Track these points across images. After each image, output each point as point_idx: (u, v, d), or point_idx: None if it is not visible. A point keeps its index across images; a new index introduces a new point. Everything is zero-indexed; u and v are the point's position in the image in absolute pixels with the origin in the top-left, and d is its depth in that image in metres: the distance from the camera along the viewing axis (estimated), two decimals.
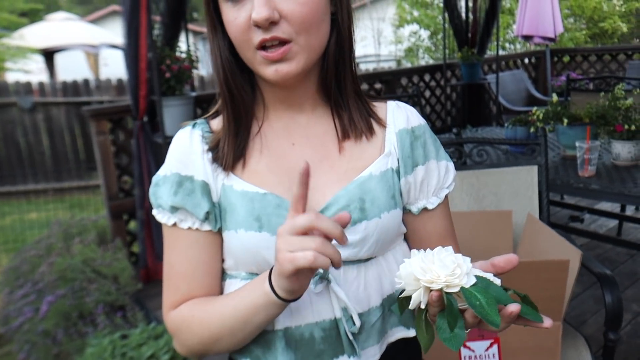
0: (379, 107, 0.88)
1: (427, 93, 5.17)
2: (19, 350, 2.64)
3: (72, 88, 7.00)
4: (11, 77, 9.98)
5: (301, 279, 0.68)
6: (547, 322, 0.61)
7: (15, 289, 3.02)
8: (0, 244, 5.10)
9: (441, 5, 7.91)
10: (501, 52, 9.00)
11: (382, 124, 0.86)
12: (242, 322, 0.74)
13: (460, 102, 5.28)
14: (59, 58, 12.24)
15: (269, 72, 0.74)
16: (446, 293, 0.59)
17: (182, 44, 3.24)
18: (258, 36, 0.72)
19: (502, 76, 5.37)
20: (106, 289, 2.84)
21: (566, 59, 6.76)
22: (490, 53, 5.72)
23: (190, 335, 0.79)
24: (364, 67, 10.77)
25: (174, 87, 3.03)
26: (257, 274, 0.79)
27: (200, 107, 3.70)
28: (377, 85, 4.76)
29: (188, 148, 0.81)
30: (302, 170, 0.66)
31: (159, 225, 3.44)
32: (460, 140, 2.19)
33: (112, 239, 3.47)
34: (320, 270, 0.78)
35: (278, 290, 0.70)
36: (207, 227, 0.80)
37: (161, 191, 0.80)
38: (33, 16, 13.69)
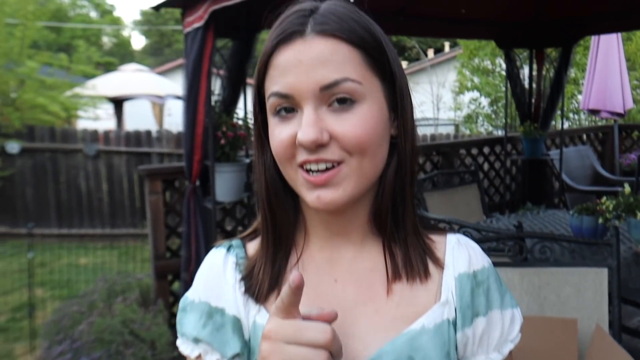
0: (437, 242, 0.77)
1: (486, 166, 5.01)
2: None
3: (135, 138, 7.26)
4: (81, 124, 10.54)
5: None
6: None
7: (54, 344, 3.01)
8: (50, 288, 5.19)
9: (503, 73, 7.80)
10: (565, 124, 8.72)
11: (440, 264, 0.75)
12: None
13: (521, 177, 5.06)
14: (127, 106, 12.88)
15: (311, 197, 0.66)
16: None
17: (240, 111, 3.27)
18: (302, 155, 0.65)
19: (566, 152, 5.15)
20: (142, 354, 2.77)
21: (636, 134, 6.45)
22: (553, 123, 5.52)
23: None
24: (422, 131, 10.71)
25: (228, 153, 3.03)
26: None
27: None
28: (435, 158, 4.64)
29: (221, 276, 0.74)
30: (293, 284, 0.58)
31: None
32: (522, 235, 2.04)
33: (155, 299, 3.44)
34: None
35: None
36: None
37: (187, 319, 0.73)
38: (108, 66, 14.61)
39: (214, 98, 3.14)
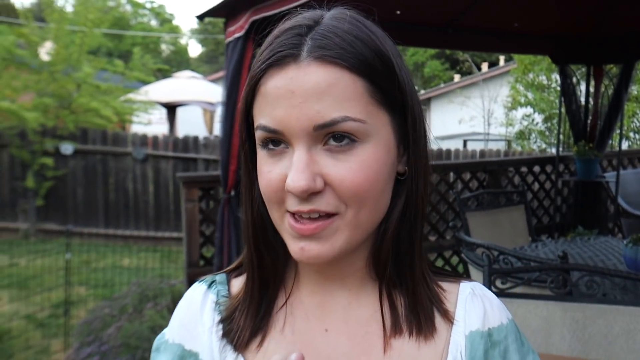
0: (448, 291, 0.67)
1: (536, 186, 4.77)
2: None
3: (183, 143, 7.38)
4: (134, 128, 10.87)
5: None
6: None
7: (84, 345, 3.04)
8: (92, 287, 5.31)
9: (559, 89, 7.46)
10: (625, 145, 8.26)
11: (449, 318, 0.64)
12: None
13: (573, 199, 4.80)
14: (180, 112, 13.20)
15: (294, 248, 0.57)
16: None
17: None
18: (293, 204, 0.56)
19: (623, 174, 4.84)
20: None
21: None
22: (610, 142, 5.22)
23: None
24: (471, 146, 10.42)
25: None
26: None
27: None
28: (481, 176, 4.46)
29: (197, 316, 0.67)
30: None
31: None
32: (567, 267, 1.88)
33: None
34: None
35: None
36: None
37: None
38: (164, 72, 15.06)
39: None
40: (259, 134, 0.58)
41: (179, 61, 24.65)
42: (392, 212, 0.61)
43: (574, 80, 4.61)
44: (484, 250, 2.30)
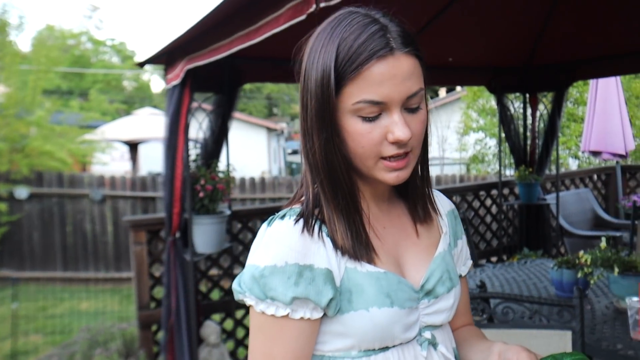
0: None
1: (482, 211, 4.95)
2: None
3: (141, 182, 7.38)
4: (95, 168, 10.77)
5: None
6: None
7: None
8: (48, 333, 5.21)
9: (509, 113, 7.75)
10: (574, 166, 8.60)
11: (435, 209, 0.99)
12: None
13: (518, 222, 4.99)
14: (142, 149, 13.16)
15: (390, 177, 0.84)
16: None
17: (221, 164, 3.30)
18: (390, 150, 0.82)
19: (564, 195, 5.06)
20: None
21: None
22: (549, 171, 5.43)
23: None
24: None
25: (207, 206, 3.06)
26: (373, 351, 0.85)
27: (240, 222, 3.72)
28: None
29: (307, 238, 0.83)
30: None
31: (181, 341, 3.25)
32: (484, 295, 1.99)
33: (139, 349, 3.42)
34: (429, 337, 0.91)
35: None
36: (317, 315, 0.82)
37: (275, 282, 0.80)
38: (127, 109, 15.01)
39: (195, 151, 3.20)
40: (360, 107, 0.80)
41: (141, 97, 24.56)
42: (424, 154, 0.92)
43: (511, 108, 4.83)
44: None
